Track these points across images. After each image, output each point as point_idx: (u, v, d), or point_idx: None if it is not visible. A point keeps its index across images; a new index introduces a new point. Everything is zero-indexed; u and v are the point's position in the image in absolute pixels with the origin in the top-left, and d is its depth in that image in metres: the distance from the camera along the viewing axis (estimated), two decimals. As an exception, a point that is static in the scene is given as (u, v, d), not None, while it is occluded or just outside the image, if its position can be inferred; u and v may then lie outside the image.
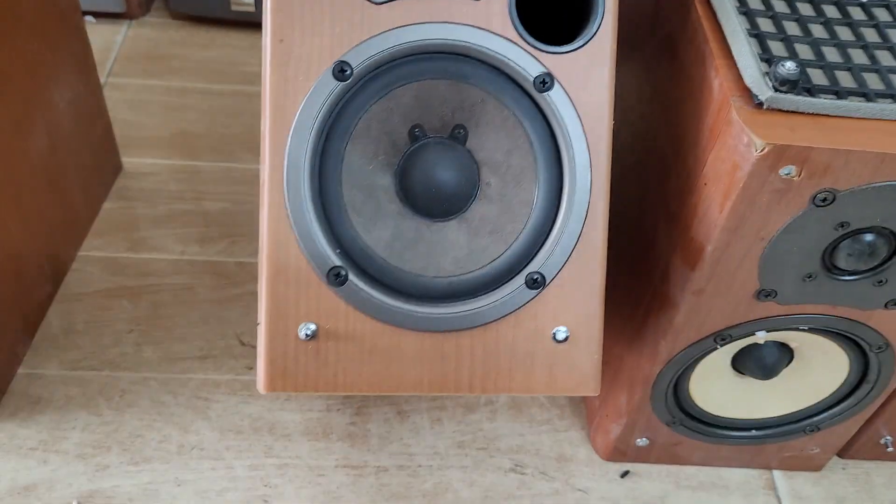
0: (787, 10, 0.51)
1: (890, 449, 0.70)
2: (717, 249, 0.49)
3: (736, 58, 0.47)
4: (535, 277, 0.48)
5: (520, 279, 0.48)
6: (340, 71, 0.42)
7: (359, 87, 0.44)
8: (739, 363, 0.61)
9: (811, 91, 0.46)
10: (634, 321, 0.61)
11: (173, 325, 0.76)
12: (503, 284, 0.48)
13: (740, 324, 0.55)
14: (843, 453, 0.72)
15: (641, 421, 0.65)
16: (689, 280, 0.52)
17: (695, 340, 0.57)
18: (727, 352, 0.60)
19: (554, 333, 0.49)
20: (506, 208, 0.48)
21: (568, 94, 0.44)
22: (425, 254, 0.48)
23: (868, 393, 0.62)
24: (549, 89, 0.44)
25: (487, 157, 0.46)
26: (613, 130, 0.47)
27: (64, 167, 0.74)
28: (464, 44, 0.42)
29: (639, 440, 0.67)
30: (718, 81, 0.47)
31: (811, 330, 0.57)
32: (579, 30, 0.44)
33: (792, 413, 0.65)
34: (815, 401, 0.64)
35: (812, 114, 0.45)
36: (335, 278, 0.46)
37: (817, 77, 0.47)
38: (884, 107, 0.45)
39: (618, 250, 0.57)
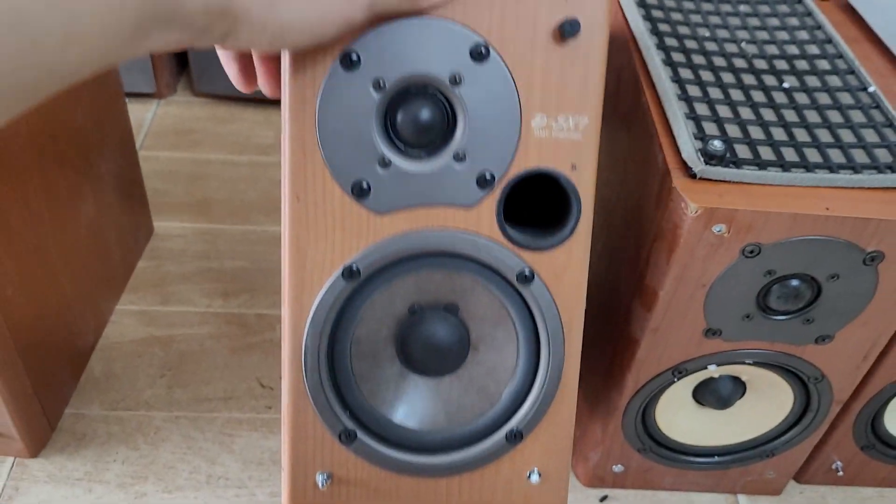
0: (721, 96, 0.62)
1: (840, 473, 0.78)
2: (667, 293, 0.59)
3: (676, 137, 0.57)
4: (515, 433, 0.56)
5: (501, 434, 0.56)
6: (349, 274, 0.50)
7: (365, 281, 0.51)
8: (699, 394, 0.70)
9: (737, 163, 0.56)
10: (605, 358, 0.70)
11: (200, 370, 0.85)
12: (486, 438, 0.57)
13: (693, 358, 0.65)
14: (799, 478, 0.80)
15: (616, 448, 0.74)
16: (647, 320, 0.62)
17: (656, 374, 0.66)
18: (687, 384, 0.69)
19: (528, 475, 0.58)
20: (491, 371, 0.56)
21: (546, 286, 0.52)
22: (422, 410, 0.57)
23: (812, 420, 0.70)
24: (529, 282, 0.52)
25: (476, 327, 0.55)
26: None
27: (106, 230, 0.85)
28: (458, 245, 0.50)
29: (615, 466, 0.76)
30: (662, 156, 0.57)
31: (756, 364, 0.66)
32: (563, 216, 0.51)
33: (748, 440, 0.74)
34: (768, 428, 0.73)
35: (738, 182, 0.55)
36: (346, 437, 0.55)
37: (743, 152, 0.57)
38: (797, 175, 0.56)
39: (591, 295, 0.67)
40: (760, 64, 0.66)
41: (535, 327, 0.54)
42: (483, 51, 0.45)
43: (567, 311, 0.53)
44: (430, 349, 0.55)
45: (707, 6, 0.73)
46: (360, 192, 0.48)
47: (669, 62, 0.64)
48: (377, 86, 0.45)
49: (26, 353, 0.69)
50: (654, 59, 0.64)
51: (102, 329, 0.87)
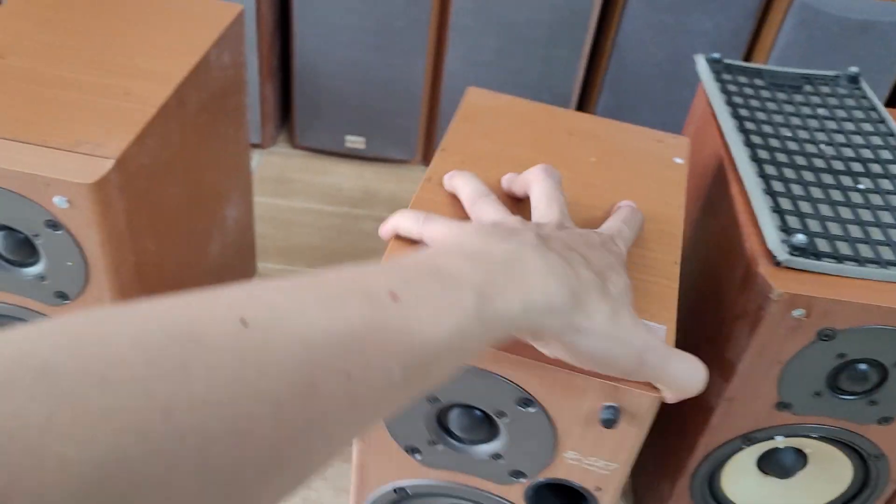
0: (802, 193, 0.69)
1: (892, 551, 0.82)
2: (745, 367, 0.65)
3: (761, 227, 0.64)
4: None
5: None
6: (400, 491, 0.62)
7: (411, 498, 0.62)
8: (763, 463, 0.76)
9: (817, 256, 0.63)
10: (678, 420, 0.76)
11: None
12: None
13: (763, 429, 0.70)
14: (852, 552, 0.85)
15: (681, 507, 0.79)
16: (724, 390, 0.68)
17: (726, 440, 0.72)
18: (753, 452, 0.75)
19: None
20: None
21: None
22: None
23: (869, 496, 0.75)
24: None
25: None
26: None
27: (225, 269, 0.94)
28: (491, 501, 0.60)
29: (679, 525, 0.81)
30: (748, 244, 0.64)
31: (821, 438, 0.72)
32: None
33: (807, 510, 0.79)
34: (825, 501, 0.78)
35: (817, 272, 0.62)
36: None
37: (822, 245, 0.64)
38: (871, 270, 0.62)
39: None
40: (838, 165, 0.73)
41: None
42: (527, 401, 0.52)
43: None
44: None
45: (789, 108, 0.80)
46: (412, 451, 0.59)
47: (755, 158, 0.72)
48: (431, 399, 0.54)
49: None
50: (742, 155, 0.71)
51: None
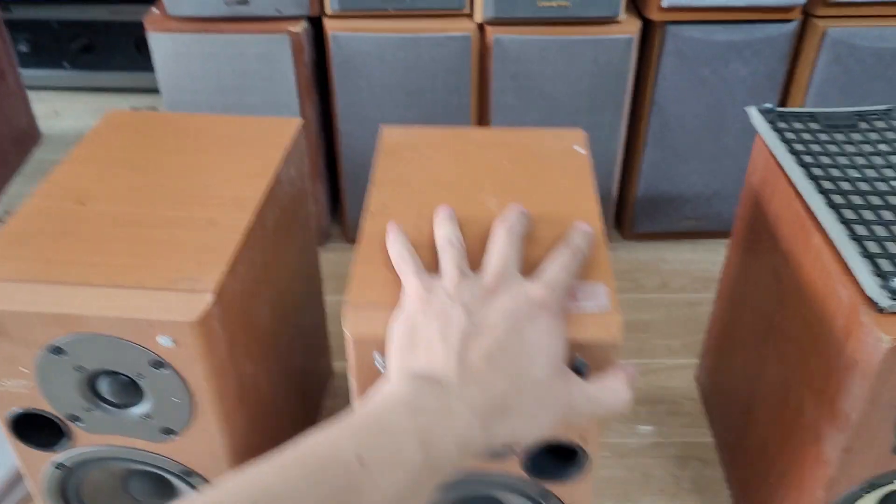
0: (886, 234, 0.69)
1: None
2: (860, 416, 0.65)
3: (856, 276, 0.64)
4: None
5: None
6: None
7: None
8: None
9: (917, 296, 0.62)
10: (791, 475, 0.75)
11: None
12: None
13: (883, 474, 0.69)
14: None
15: (807, 563, 0.77)
16: (840, 441, 0.67)
17: (847, 490, 0.71)
18: (873, 497, 0.73)
19: None
20: None
21: (560, 500, 0.68)
22: None
23: None
24: (549, 500, 0.68)
25: None
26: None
27: (305, 376, 0.95)
28: (489, 478, 0.67)
29: (806, 582, 0.79)
30: (845, 293, 0.64)
31: (944, 477, 0.70)
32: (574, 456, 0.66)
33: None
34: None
35: (920, 313, 0.62)
36: None
37: (919, 285, 0.63)
38: (974, 304, 0.62)
39: (768, 419, 0.73)
40: (914, 200, 0.73)
41: None
42: None
43: None
44: None
45: (850, 148, 0.81)
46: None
47: (832, 205, 0.72)
48: None
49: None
50: (818, 203, 0.72)
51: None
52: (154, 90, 1.84)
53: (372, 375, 0.58)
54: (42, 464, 0.72)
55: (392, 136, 0.80)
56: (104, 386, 0.67)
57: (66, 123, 1.72)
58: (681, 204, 1.31)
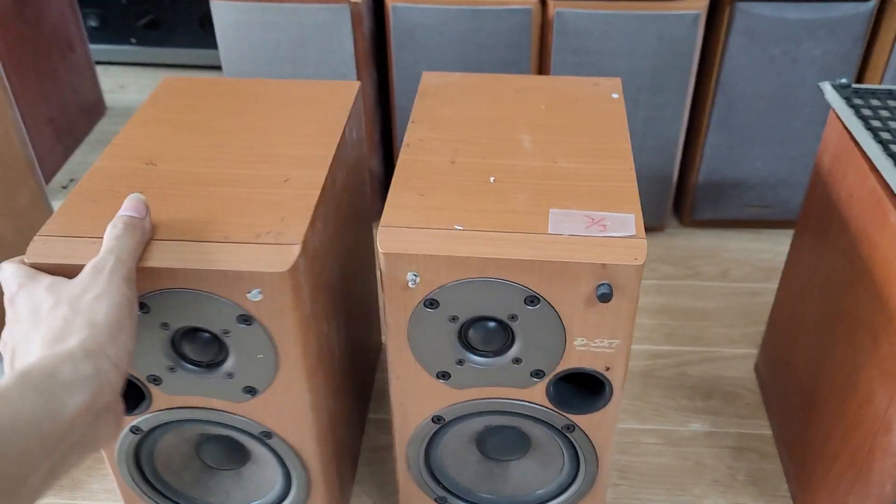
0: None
1: None
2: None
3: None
4: None
5: None
6: (437, 420, 0.71)
7: (448, 424, 0.72)
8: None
9: None
10: (857, 468, 0.71)
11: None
12: None
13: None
14: None
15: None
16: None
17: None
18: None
19: None
20: (543, 466, 0.78)
21: (585, 432, 0.71)
22: (494, 483, 0.79)
23: None
24: (572, 431, 0.71)
25: (536, 442, 0.77)
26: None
27: (359, 345, 0.94)
28: (514, 408, 0.70)
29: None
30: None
31: None
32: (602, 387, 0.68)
33: None
34: None
35: None
36: (441, 500, 0.79)
37: None
38: None
39: (833, 411, 0.69)
40: None
41: (576, 453, 0.73)
42: (534, 299, 0.60)
43: (601, 444, 0.72)
44: (500, 446, 0.77)
45: (930, 126, 0.76)
46: (443, 376, 0.67)
47: (911, 182, 0.68)
48: (453, 319, 0.63)
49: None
50: (896, 179, 0.68)
51: (361, 436, 0.96)
52: (215, 67, 1.87)
53: (402, 291, 0.61)
54: None
55: (432, 80, 0.82)
56: (187, 345, 0.65)
57: (131, 97, 1.75)
58: (744, 190, 1.26)
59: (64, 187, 1.45)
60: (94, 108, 1.64)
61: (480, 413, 0.70)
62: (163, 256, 0.60)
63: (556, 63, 1.13)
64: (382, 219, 0.62)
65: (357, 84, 0.83)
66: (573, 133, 0.72)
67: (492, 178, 0.66)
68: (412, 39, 1.13)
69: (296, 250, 0.61)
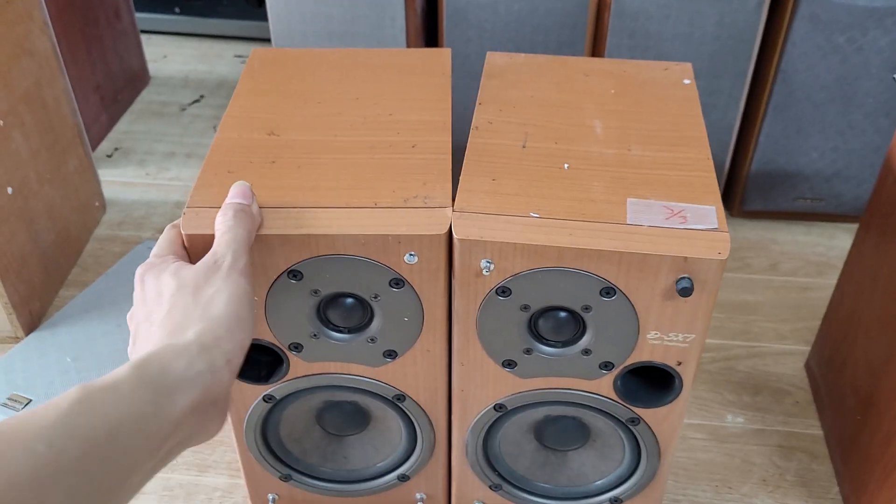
0: None
1: None
2: None
3: None
4: (615, 499, 0.77)
5: (605, 497, 0.78)
6: (500, 408, 0.70)
7: (510, 413, 0.71)
8: None
9: None
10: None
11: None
12: (595, 497, 0.78)
13: None
14: None
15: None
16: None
17: None
18: None
19: None
20: (602, 457, 0.77)
21: (650, 426, 0.69)
22: (550, 473, 0.78)
23: None
24: (636, 424, 0.69)
25: (596, 433, 0.75)
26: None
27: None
28: (579, 399, 0.69)
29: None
30: None
31: None
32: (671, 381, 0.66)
33: None
34: None
35: None
36: (494, 487, 0.78)
37: None
38: None
39: (892, 410, 0.67)
40: None
41: (638, 443, 0.71)
42: (610, 290, 0.59)
43: (665, 439, 0.70)
44: (560, 437, 0.76)
45: None
46: (509, 364, 0.66)
47: None
48: (524, 308, 0.62)
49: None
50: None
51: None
52: (258, 39, 1.86)
53: (475, 278, 0.60)
54: (250, 397, 0.71)
55: (497, 60, 0.79)
56: (332, 311, 0.65)
57: (174, 67, 1.74)
58: (798, 182, 1.23)
59: (109, 156, 1.45)
60: (138, 77, 1.64)
61: (544, 403, 0.69)
62: (319, 223, 0.60)
63: (610, 45, 1.10)
64: (456, 203, 0.61)
65: (448, 51, 0.81)
66: (645, 119, 0.70)
67: (565, 165, 0.64)
68: (465, 17, 1.10)
69: (448, 213, 0.61)
